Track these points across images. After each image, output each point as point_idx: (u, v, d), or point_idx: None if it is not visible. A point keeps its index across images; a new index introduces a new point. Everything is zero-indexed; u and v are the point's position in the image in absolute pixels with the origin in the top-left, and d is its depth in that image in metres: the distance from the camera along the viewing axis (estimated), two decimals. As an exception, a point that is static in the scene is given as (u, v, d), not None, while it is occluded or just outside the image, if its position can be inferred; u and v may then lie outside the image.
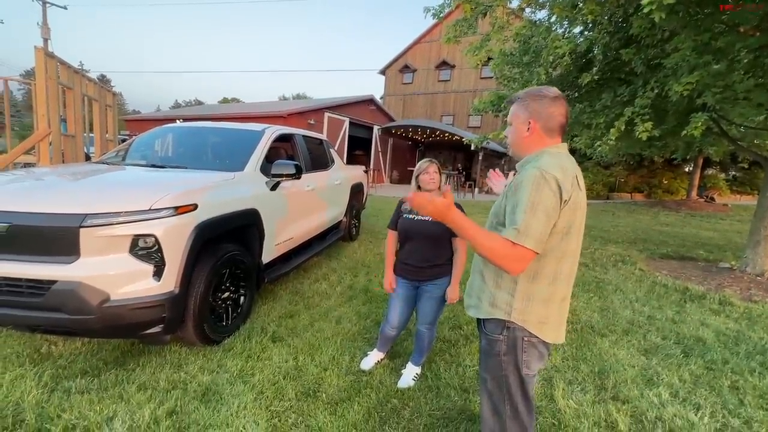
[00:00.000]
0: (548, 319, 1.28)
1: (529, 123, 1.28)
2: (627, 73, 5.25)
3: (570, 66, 5.54)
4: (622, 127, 4.33)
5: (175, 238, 2.19)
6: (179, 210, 2.23)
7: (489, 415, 1.39)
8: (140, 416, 1.86)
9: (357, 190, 5.97)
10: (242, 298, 2.91)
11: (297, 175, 3.25)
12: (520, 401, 1.33)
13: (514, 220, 1.16)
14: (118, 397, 2.00)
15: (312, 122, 16.05)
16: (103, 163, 3.25)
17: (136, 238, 2.10)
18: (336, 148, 17.89)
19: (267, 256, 3.24)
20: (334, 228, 5.25)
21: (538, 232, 1.13)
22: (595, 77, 4.72)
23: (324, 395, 2.12)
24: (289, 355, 2.51)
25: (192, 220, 2.30)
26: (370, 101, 19.72)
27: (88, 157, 6.16)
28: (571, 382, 2.41)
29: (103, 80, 69.01)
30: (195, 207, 2.33)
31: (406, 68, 26.11)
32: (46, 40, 22.51)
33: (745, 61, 3.88)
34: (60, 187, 2.47)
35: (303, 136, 4.42)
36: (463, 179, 19.06)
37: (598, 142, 4.85)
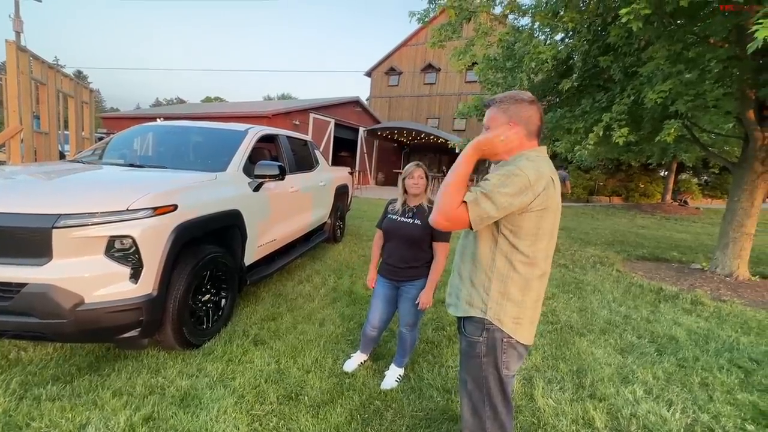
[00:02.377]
0: (522, 320, 1.30)
1: (511, 126, 1.28)
2: (605, 80, 5.42)
3: (551, 72, 5.70)
4: (601, 133, 4.46)
5: (154, 240, 2.14)
6: (158, 211, 2.18)
7: (469, 416, 1.40)
8: (115, 423, 1.80)
9: (342, 192, 5.96)
10: (223, 300, 2.86)
11: (280, 176, 3.22)
12: (499, 402, 1.34)
13: (481, 186, 1.19)
14: (91, 403, 1.94)
15: (297, 123, 15.93)
16: (79, 162, 3.14)
17: (112, 239, 2.04)
18: (321, 149, 17.80)
19: (249, 258, 3.20)
20: (319, 230, 5.22)
21: (505, 195, 1.16)
22: (575, 84, 4.85)
23: (306, 398, 2.10)
24: (271, 358, 2.48)
25: (171, 221, 2.25)
26: (356, 103, 19.70)
27: (62, 156, 5.95)
28: (551, 380, 2.46)
29: (80, 76, 66.83)
30: (174, 208, 2.28)
31: (392, 71, 26.23)
32: (18, 34, 21.58)
33: (715, 71, 4.06)
34: (32, 186, 2.38)
35: (287, 137, 4.39)
36: (447, 181, 19.24)
37: (578, 147, 4.98)
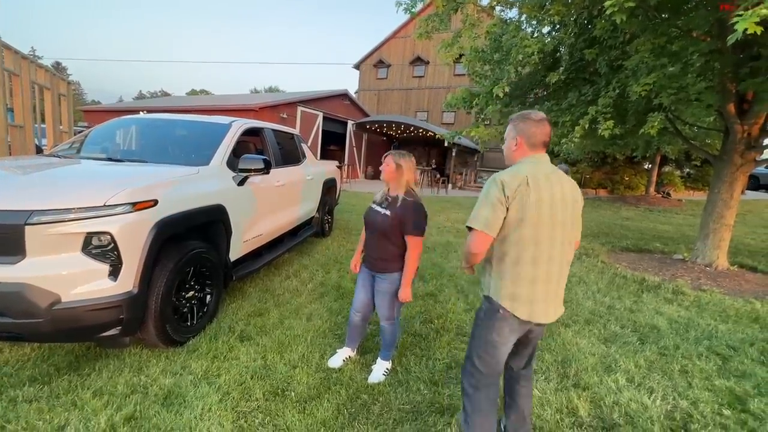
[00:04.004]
0: (518, 297, 1.52)
1: (516, 139, 1.60)
2: (591, 73, 5.46)
3: (538, 65, 5.70)
4: (586, 126, 4.50)
5: (133, 236, 2.08)
6: (137, 206, 2.12)
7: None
8: (95, 423, 1.76)
9: (330, 186, 5.90)
10: (208, 296, 2.81)
11: (265, 169, 3.17)
12: (484, 353, 1.62)
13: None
14: (71, 404, 1.89)
15: (284, 116, 15.71)
16: (55, 156, 3.04)
17: (90, 235, 1.98)
18: (310, 143, 17.62)
19: (235, 253, 3.15)
20: (307, 224, 5.17)
21: (483, 217, 1.49)
22: (562, 77, 4.87)
23: (293, 394, 2.09)
24: (258, 354, 2.46)
25: (152, 216, 2.19)
26: (344, 96, 19.52)
27: (39, 150, 5.76)
28: (536, 371, 2.50)
29: (58, 68, 64.60)
30: (155, 203, 2.22)
31: (380, 63, 26.00)
32: (-9, 23, 20.79)
33: (697, 64, 4.12)
34: (2, 181, 2.29)
35: (273, 130, 4.31)
36: (437, 175, 19.27)
37: (565, 140, 5.02)
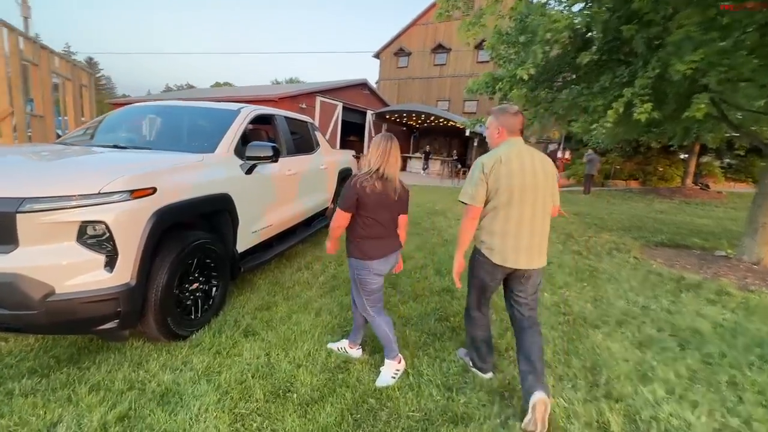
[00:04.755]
0: (493, 247, 1.98)
1: (499, 129, 2.03)
2: (626, 53, 5.03)
3: (567, 46, 5.31)
4: (621, 109, 4.12)
5: (130, 225, 1.98)
6: (135, 194, 2.01)
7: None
8: (88, 421, 1.68)
9: (345, 176, 5.73)
10: (214, 289, 2.72)
11: (274, 157, 3.02)
12: (471, 298, 2.20)
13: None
14: (66, 399, 1.82)
15: (303, 106, 15.66)
16: (62, 144, 3.00)
17: (84, 224, 1.89)
18: (329, 133, 17.53)
19: (243, 244, 3.04)
20: (321, 215, 5.04)
21: (469, 193, 1.96)
22: (595, 57, 4.48)
23: (295, 395, 1.96)
24: (261, 350, 2.34)
25: (150, 205, 2.08)
26: (364, 85, 19.28)
27: (62, 140, 5.86)
28: (562, 378, 2.27)
29: (91, 63, 67.09)
30: (154, 191, 2.11)
31: (401, 51, 25.53)
32: (26, 19, 21.63)
33: (752, 39, 3.67)
34: (-1, 168, 2.22)
35: (285, 117, 4.17)
36: (458, 166, 18.83)
37: (596, 125, 4.64)
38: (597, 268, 4.51)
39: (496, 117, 2.03)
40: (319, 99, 16.64)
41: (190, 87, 65.92)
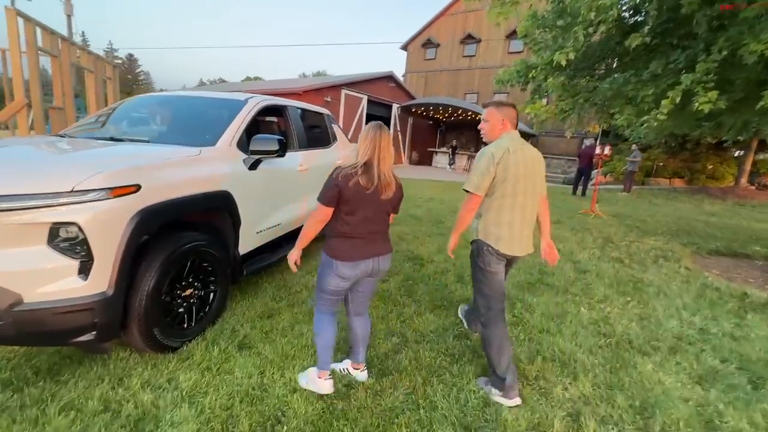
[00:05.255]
0: (501, 236, 2.02)
1: (503, 121, 2.08)
2: (682, 36, 4.41)
3: (613, 29, 4.74)
4: (678, 99, 3.58)
5: (107, 227, 1.77)
6: (115, 192, 1.80)
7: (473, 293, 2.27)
8: (49, 451, 1.49)
9: (364, 171, 5.45)
10: (212, 295, 2.51)
11: (280, 151, 2.76)
12: (484, 286, 2.09)
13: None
14: (32, 421, 1.64)
15: (328, 99, 15.47)
16: (58, 136, 2.86)
17: (56, 226, 1.69)
18: (353, 126, 17.28)
19: (246, 246, 2.82)
20: (337, 212, 4.78)
21: (474, 182, 1.99)
22: (647, 39, 3.93)
23: (285, 429, 1.69)
24: (255, 368, 2.09)
25: (132, 204, 1.86)
26: (390, 78, 18.85)
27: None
28: (605, 420, 1.89)
29: (131, 59, 70.09)
30: (137, 188, 1.89)
31: (429, 43, 24.85)
32: (69, 17, 22.59)
33: None
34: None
35: (299, 108, 3.91)
36: (485, 161, 18.13)
37: (645, 118, 4.09)
38: (642, 279, 4.00)
39: (499, 109, 2.11)
40: (344, 92, 16.40)
41: (223, 81, 67.57)
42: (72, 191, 1.69)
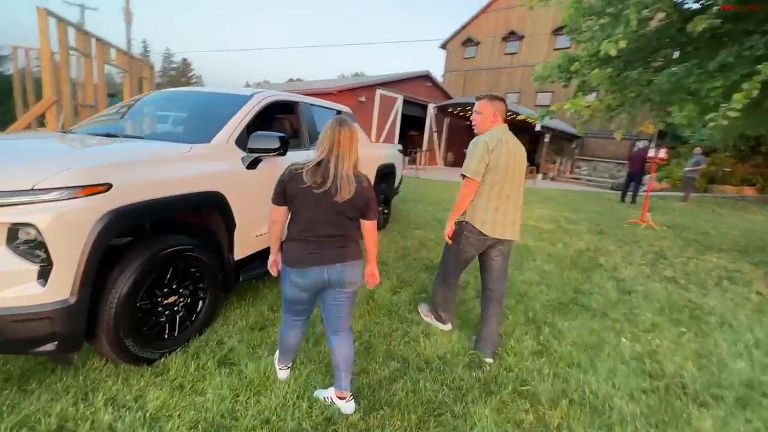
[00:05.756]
0: (487, 219, 2.26)
1: (494, 114, 2.28)
2: (759, 21, 3.73)
3: (673, 13, 4.13)
4: (755, 92, 2.97)
5: (69, 230, 1.62)
6: (81, 191, 1.65)
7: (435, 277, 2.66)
8: (-15, 476, 1.34)
9: (387, 172, 5.17)
10: (200, 303, 2.34)
11: (281, 150, 2.55)
12: (450, 261, 2.48)
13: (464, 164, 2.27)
14: (-19, 437, 1.52)
15: (363, 99, 15.37)
16: (62, 132, 2.83)
17: (15, 227, 1.56)
18: (388, 127, 17.06)
19: (242, 251, 2.63)
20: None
21: (472, 168, 2.20)
22: (716, 21, 3.33)
23: (244, 472, 1.45)
24: (231, 390, 1.88)
25: (101, 204, 1.71)
26: (426, 77, 18.46)
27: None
28: (646, 496, 1.48)
29: (185, 63, 74.64)
30: (107, 188, 1.73)
31: (468, 41, 24.15)
32: (128, 24, 24.34)
33: None
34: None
35: (312, 105, 3.71)
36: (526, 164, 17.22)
37: (711, 115, 3.47)
38: (701, 305, 3.40)
39: (492, 102, 2.28)
40: (378, 92, 16.22)
41: (266, 83, 70.15)
42: (32, 189, 1.56)
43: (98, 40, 5.02)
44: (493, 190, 2.21)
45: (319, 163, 1.61)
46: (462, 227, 2.31)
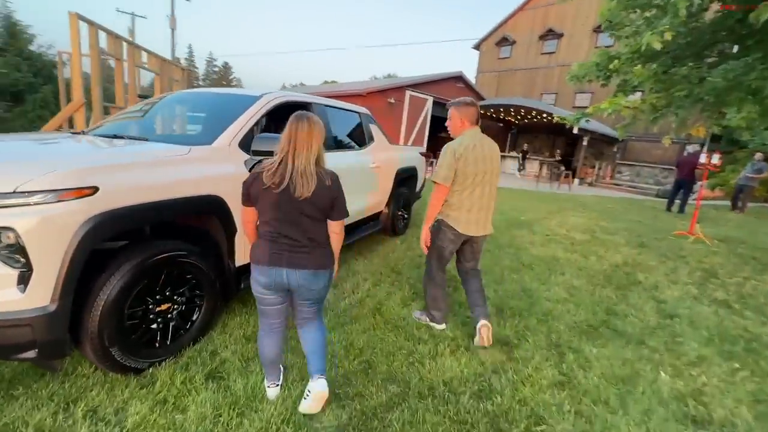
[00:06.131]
0: (459, 219, 2.44)
1: (461, 120, 2.45)
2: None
3: (733, 2, 3.67)
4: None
5: (50, 234, 1.56)
6: (66, 195, 1.59)
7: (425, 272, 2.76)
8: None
9: (407, 176, 4.98)
10: (197, 311, 2.26)
11: (285, 153, 2.43)
12: (434, 255, 2.60)
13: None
14: (-44, 445, 1.48)
15: (392, 101, 15.27)
16: (75, 133, 2.87)
17: (-4, 231, 1.52)
18: (417, 129, 16.81)
19: (244, 257, 2.53)
20: (371, 220, 4.40)
21: (441, 174, 2.37)
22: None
23: None
24: (214, 408, 1.76)
25: (87, 208, 1.64)
26: (458, 78, 18.10)
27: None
28: None
29: (226, 67, 77.97)
30: (94, 191, 1.67)
31: (503, 41, 23.47)
32: (173, 31, 25.65)
33: None
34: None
35: (328, 107, 3.59)
36: (561, 168, 16.40)
37: (776, 117, 3.02)
38: (759, 335, 2.95)
39: (458, 109, 2.44)
40: (408, 93, 16.00)
41: (302, 85, 71.89)
42: (14, 192, 1.51)
43: (129, 43, 5.20)
44: (465, 192, 2.39)
45: (280, 163, 1.57)
46: (440, 224, 2.50)
